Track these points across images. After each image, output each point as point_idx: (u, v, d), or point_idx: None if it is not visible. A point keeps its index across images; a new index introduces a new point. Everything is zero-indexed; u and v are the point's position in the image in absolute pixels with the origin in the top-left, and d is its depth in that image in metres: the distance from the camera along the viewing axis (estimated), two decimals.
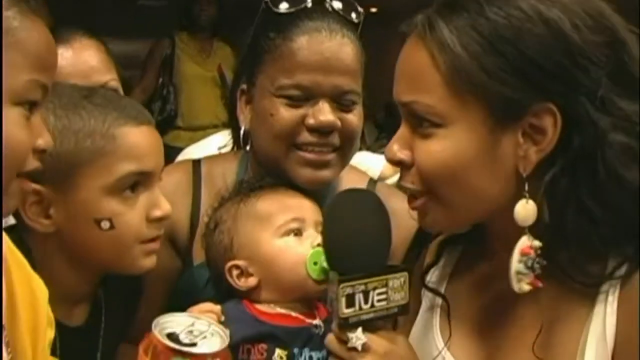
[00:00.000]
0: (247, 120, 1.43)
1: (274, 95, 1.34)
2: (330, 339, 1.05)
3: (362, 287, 1.02)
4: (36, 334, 0.98)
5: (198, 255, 1.42)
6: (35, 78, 0.85)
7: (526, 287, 0.98)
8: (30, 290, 0.98)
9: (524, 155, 0.97)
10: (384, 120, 9.02)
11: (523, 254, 0.97)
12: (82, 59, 1.61)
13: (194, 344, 0.94)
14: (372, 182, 1.57)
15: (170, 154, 2.76)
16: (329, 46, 1.32)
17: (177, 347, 0.89)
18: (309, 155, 1.35)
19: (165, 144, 4.65)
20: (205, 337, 0.92)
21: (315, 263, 1.21)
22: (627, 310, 0.96)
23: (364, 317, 1.03)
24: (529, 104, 0.94)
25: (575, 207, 0.96)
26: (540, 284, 0.98)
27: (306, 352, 1.21)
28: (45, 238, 1.13)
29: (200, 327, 0.94)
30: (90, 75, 1.60)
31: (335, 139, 1.35)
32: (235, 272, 1.27)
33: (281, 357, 1.19)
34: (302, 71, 1.32)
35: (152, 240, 1.22)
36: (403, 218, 1.23)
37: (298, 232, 1.27)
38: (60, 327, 1.09)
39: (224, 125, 3.80)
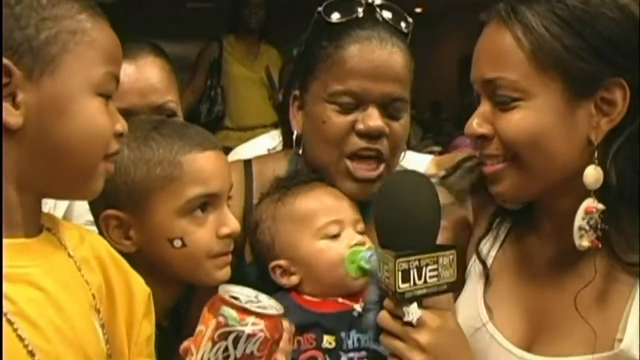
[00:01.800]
0: (299, 125, 1.48)
1: (326, 102, 1.39)
2: (384, 316, 1.10)
3: (416, 263, 1.06)
4: (131, 328, 1.07)
5: (250, 253, 1.47)
6: (109, 70, 0.95)
7: (586, 244, 1.08)
8: (128, 288, 1.07)
9: (596, 125, 1.08)
10: (429, 119, 9.01)
11: (587, 212, 1.07)
12: (144, 76, 1.61)
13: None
14: None
15: None
16: (380, 54, 1.37)
17: (237, 303, 0.93)
18: (358, 171, 1.39)
19: None
20: (265, 308, 0.96)
21: (352, 262, 1.26)
22: None
23: (418, 292, 1.07)
24: (602, 78, 1.06)
25: (636, 172, 1.07)
26: (599, 244, 1.07)
27: (353, 335, 1.25)
28: (130, 257, 1.20)
29: (262, 300, 0.98)
30: (148, 94, 1.59)
31: (383, 146, 1.39)
32: (278, 271, 1.33)
33: (330, 343, 1.24)
34: (353, 78, 1.37)
35: (224, 254, 1.31)
36: (445, 215, 1.28)
37: (337, 234, 1.32)
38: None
39: (272, 126, 3.88)
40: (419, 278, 1.07)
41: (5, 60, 0.85)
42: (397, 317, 1.08)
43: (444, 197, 1.37)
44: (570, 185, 1.10)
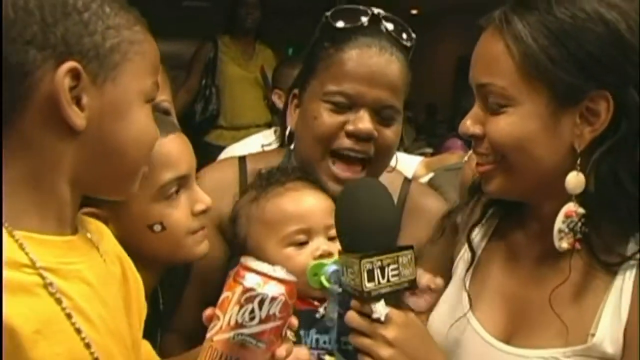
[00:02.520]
0: (293, 121, 1.52)
1: (321, 100, 1.43)
2: (352, 315, 1.14)
3: (379, 263, 1.11)
4: (140, 316, 1.13)
5: None
6: (155, 80, 1.00)
7: (565, 245, 1.12)
8: (135, 278, 1.13)
9: (580, 133, 1.12)
10: (424, 121, 9.04)
11: (567, 215, 1.12)
12: None
13: None
14: (407, 181, 1.64)
15: (214, 151, 2.84)
16: (377, 61, 1.41)
17: (260, 269, 1.02)
18: (341, 172, 1.42)
19: (209, 142, 4.74)
20: (284, 276, 1.05)
21: (315, 274, 1.27)
22: None
23: (383, 290, 1.12)
24: (586, 91, 1.09)
25: (615, 180, 1.10)
26: (578, 246, 1.12)
27: (312, 334, 1.29)
28: None
29: (277, 270, 1.05)
30: None
31: (370, 149, 1.43)
32: None
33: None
34: (348, 80, 1.41)
35: (201, 229, 1.36)
36: (434, 216, 1.40)
37: (303, 242, 1.35)
38: None
39: (266, 125, 3.88)
40: (382, 277, 1.11)
41: (75, 64, 0.88)
42: (365, 315, 1.12)
43: (432, 198, 1.50)
44: (554, 189, 1.13)
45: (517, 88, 1.12)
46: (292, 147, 1.54)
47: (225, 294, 1.03)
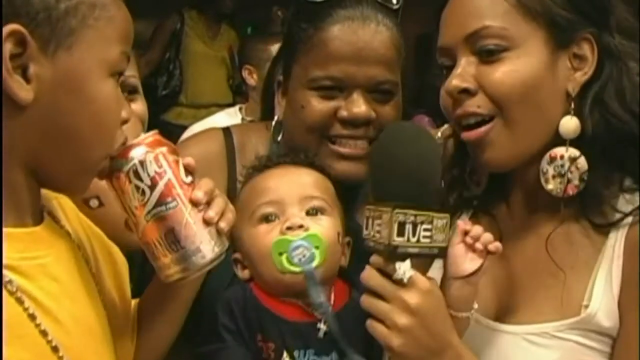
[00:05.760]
0: (281, 111, 1.39)
1: (306, 88, 1.30)
2: (370, 273, 1.01)
3: (412, 218, 0.98)
4: (123, 294, 1.06)
5: None
6: (125, 50, 0.87)
7: (550, 186, 1.10)
8: (111, 258, 1.04)
9: (572, 77, 1.11)
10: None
11: (552, 157, 1.09)
12: None
13: None
14: None
15: (174, 131, 2.74)
16: (362, 35, 1.27)
17: (114, 155, 0.92)
18: (343, 149, 1.29)
19: (168, 121, 4.65)
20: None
21: (280, 254, 1.10)
22: (631, 256, 1.05)
23: (410, 250, 0.99)
24: (579, 29, 1.10)
25: (606, 124, 1.09)
26: (571, 192, 1.09)
27: (310, 355, 1.10)
28: None
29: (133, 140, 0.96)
30: None
31: (370, 132, 1.30)
32: (238, 265, 1.20)
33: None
34: (334, 62, 1.27)
35: None
36: None
37: (273, 217, 1.15)
38: None
39: (227, 106, 3.79)
40: (413, 235, 0.98)
41: (18, 27, 0.76)
42: (386, 274, 1.00)
43: None
44: (547, 144, 1.10)
45: (518, 27, 1.09)
46: (279, 139, 1.39)
47: (121, 202, 0.94)
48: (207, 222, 0.94)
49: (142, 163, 0.92)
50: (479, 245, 1.05)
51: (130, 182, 0.92)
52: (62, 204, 0.97)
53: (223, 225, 0.95)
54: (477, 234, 1.06)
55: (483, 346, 1.12)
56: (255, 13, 4.41)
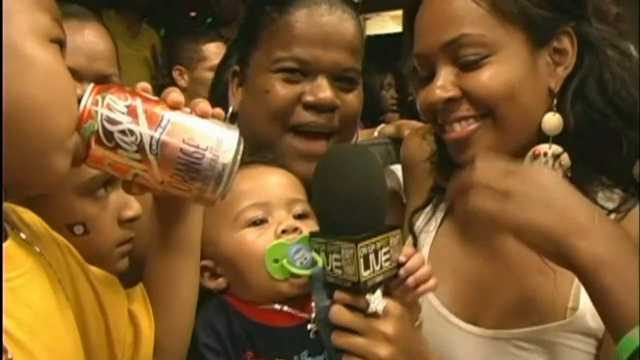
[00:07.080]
0: (237, 102, 1.35)
1: (270, 71, 1.27)
2: (340, 311, 0.98)
3: (373, 247, 0.96)
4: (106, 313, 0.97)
5: None
6: (53, 17, 0.80)
7: None
8: (81, 266, 0.95)
9: (554, 73, 1.11)
10: None
11: (535, 154, 1.10)
12: (94, 40, 1.51)
13: None
14: None
15: None
16: (329, 20, 1.27)
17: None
18: (302, 145, 1.26)
19: None
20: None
21: (276, 260, 1.06)
22: None
23: (377, 279, 0.96)
24: (557, 25, 1.10)
25: (588, 118, 1.10)
26: None
27: (304, 358, 1.07)
28: None
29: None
30: (97, 59, 1.49)
31: (333, 121, 1.28)
32: (206, 274, 1.13)
33: None
34: (300, 44, 1.25)
35: (126, 242, 1.16)
36: None
37: (261, 220, 1.11)
38: None
39: None
40: (377, 263, 0.96)
41: None
42: (356, 309, 0.97)
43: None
44: (531, 141, 1.11)
45: (495, 32, 1.08)
46: None
47: (119, 167, 0.87)
48: (203, 115, 0.89)
49: (108, 107, 0.84)
50: (411, 281, 1.01)
51: (111, 133, 0.84)
52: (24, 218, 0.88)
53: (217, 111, 0.92)
54: (413, 267, 1.01)
55: (469, 354, 1.12)
56: (168, 15, 4.32)
